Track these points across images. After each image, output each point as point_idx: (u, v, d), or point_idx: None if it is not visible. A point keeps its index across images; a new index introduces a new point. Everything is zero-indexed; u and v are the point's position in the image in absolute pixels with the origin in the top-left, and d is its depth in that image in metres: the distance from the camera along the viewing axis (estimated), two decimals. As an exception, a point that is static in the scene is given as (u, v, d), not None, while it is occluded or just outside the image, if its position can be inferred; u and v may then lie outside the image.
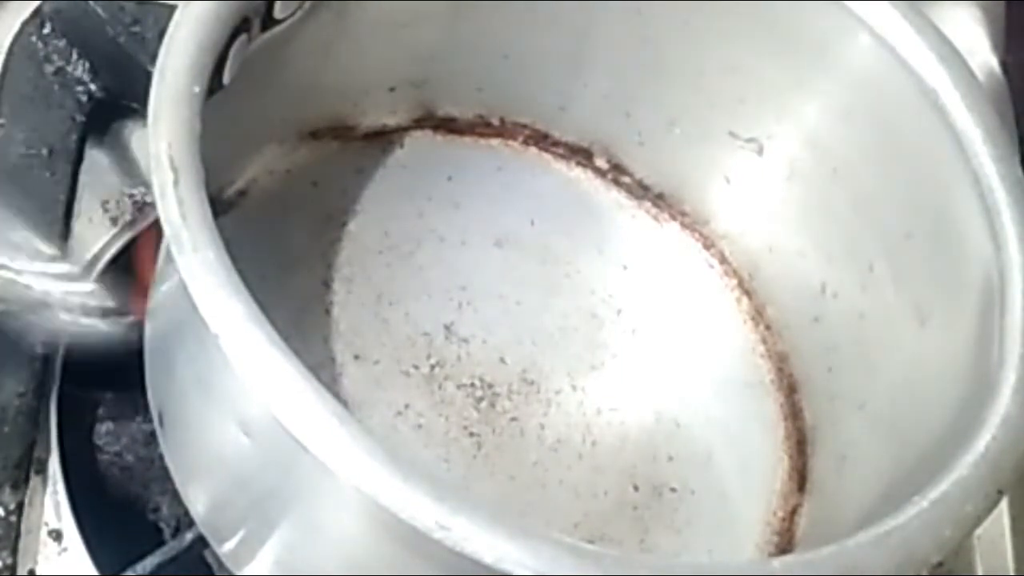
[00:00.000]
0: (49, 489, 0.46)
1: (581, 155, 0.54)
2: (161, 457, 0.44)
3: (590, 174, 0.54)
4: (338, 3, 0.45)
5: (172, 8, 0.39)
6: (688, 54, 0.49)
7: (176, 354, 0.41)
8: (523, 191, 0.53)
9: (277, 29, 0.43)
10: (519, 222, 0.52)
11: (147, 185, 0.52)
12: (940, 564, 0.35)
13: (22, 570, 0.44)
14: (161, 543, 0.46)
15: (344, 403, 0.39)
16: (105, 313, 0.45)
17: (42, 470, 0.46)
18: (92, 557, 0.45)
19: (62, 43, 0.52)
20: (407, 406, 0.47)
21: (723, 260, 0.53)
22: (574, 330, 0.51)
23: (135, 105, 0.52)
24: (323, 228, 0.50)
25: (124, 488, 0.49)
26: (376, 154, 0.52)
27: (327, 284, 0.48)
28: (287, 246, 0.49)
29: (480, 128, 0.53)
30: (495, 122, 0.53)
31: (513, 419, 0.48)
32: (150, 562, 0.45)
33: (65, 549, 0.45)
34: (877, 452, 0.45)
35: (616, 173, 0.54)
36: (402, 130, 0.52)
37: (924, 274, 0.45)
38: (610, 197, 0.54)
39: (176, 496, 0.43)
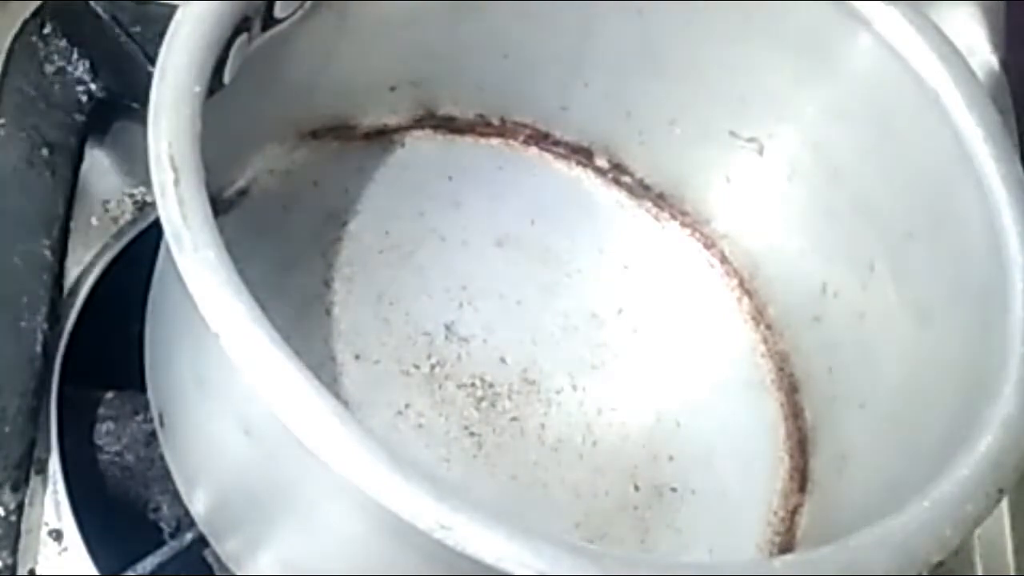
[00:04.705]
0: (49, 489, 0.45)
1: (581, 155, 0.54)
2: (161, 457, 0.44)
3: (590, 174, 0.54)
4: (338, 3, 0.45)
5: (172, 8, 0.39)
6: (688, 54, 0.49)
7: (176, 354, 0.41)
8: (523, 191, 0.53)
9: (277, 29, 0.43)
10: (519, 222, 0.52)
11: (147, 185, 0.52)
12: (940, 564, 0.35)
13: (22, 570, 0.44)
14: (161, 543, 0.46)
15: (344, 403, 0.39)
16: None
17: (42, 470, 0.46)
18: (92, 557, 0.45)
19: (62, 43, 0.52)
20: (407, 406, 0.47)
21: (723, 260, 0.53)
22: (574, 330, 0.51)
23: (135, 105, 0.52)
24: (323, 228, 0.50)
25: (124, 488, 0.49)
26: (376, 154, 0.52)
27: (327, 284, 0.48)
28: (287, 246, 0.49)
29: (480, 128, 0.53)
30: (495, 122, 0.53)
31: (513, 419, 0.48)
32: (150, 562, 0.45)
33: (65, 549, 0.45)
34: (877, 452, 0.45)
35: (616, 173, 0.54)
36: (402, 130, 0.52)
37: (924, 274, 0.45)
38: (610, 197, 0.54)
39: (176, 496, 0.43)
